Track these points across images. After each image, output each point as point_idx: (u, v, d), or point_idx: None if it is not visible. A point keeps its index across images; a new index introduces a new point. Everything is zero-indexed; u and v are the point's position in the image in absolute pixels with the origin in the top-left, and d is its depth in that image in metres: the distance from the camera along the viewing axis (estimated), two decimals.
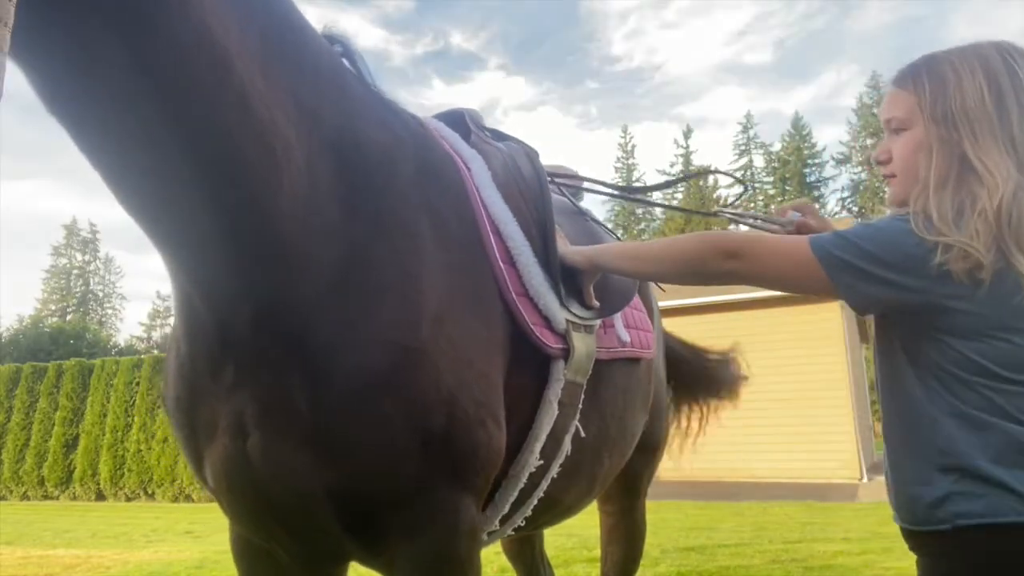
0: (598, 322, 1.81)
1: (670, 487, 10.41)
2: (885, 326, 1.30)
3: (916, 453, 1.23)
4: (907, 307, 1.21)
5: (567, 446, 1.69)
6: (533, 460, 1.59)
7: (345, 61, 1.49)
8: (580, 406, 1.71)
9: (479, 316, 1.44)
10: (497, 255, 1.53)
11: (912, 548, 1.27)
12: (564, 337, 1.64)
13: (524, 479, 1.59)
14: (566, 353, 1.64)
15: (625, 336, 2.00)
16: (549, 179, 1.89)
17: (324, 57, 1.36)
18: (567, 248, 1.72)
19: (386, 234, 1.33)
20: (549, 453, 1.64)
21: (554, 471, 1.68)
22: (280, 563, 1.49)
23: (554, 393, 1.60)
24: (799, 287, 1.36)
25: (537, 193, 1.76)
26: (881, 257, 1.19)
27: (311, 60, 1.31)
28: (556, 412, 1.61)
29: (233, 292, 1.23)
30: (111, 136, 1.06)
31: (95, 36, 0.97)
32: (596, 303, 1.78)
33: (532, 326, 1.55)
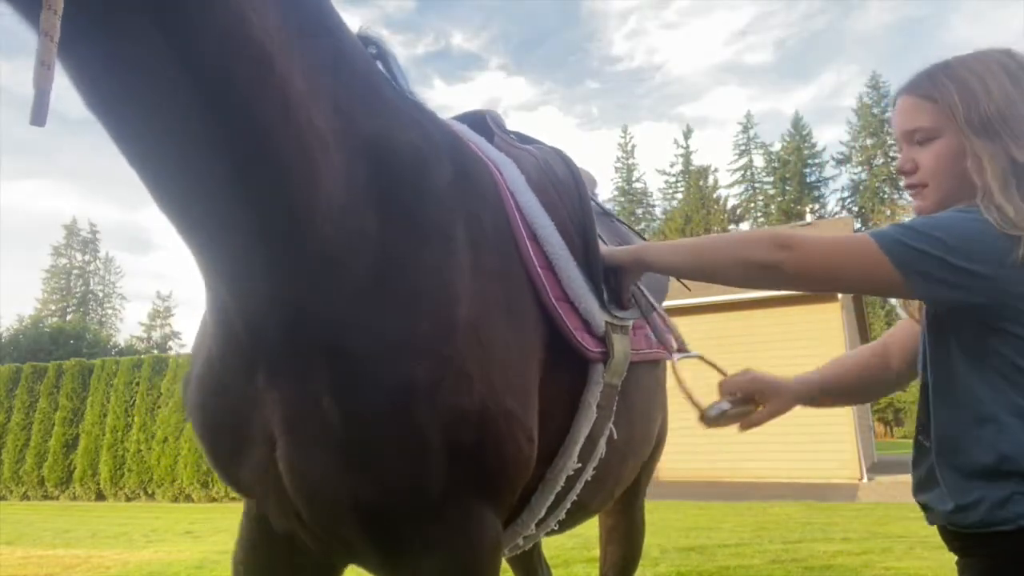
0: (632, 322, 1.80)
1: (670, 487, 10.40)
2: (942, 328, 1.26)
3: (976, 455, 1.20)
4: (981, 299, 1.17)
5: (602, 449, 1.67)
6: (571, 464, 1.56)
7: (379, 63, 1.46)
8: (615, 408, 1.69)
9: (514, 324, 1.40)
10: (535, 260, 1.50)
11: (960, 549, 1.25)
12: (603, 340, 1.62)
13: (561, 483, 1.57)
14: (605, 356, 1.61)
15: (653, 337, 1.98)
16: None
17: (359, 58, 1.34)
18: (610, 248, 1.68)
19: (422, 239, 1.30)
20: (584, 456, 1.61)
21: (588, 474, 1.66)
22: (291, 550, 1.48)
23: (593, 396, 1.58)
24: (852, 284, 1.28)
25: (574, 194, 1.73)
26: (961, 248, 1.15)
27: (347, 61, 1.28)
28: (595, 415, 1.58)
29: (266, 296, 1.20)
30: (150, 133, 1.04)
31: (137, 31, 0.96)
32: (633, 303, 1.76)
33: (573, 331, 1.52)
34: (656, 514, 7.70)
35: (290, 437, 1.24)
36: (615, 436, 1.71)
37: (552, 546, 5.82)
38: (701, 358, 1.75)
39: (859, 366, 1.58)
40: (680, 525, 7.55)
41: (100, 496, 14.23)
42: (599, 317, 1.61)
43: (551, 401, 1.47)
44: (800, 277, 1.29)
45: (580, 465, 1.60)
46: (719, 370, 1.63)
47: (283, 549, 1.48)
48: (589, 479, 1.68)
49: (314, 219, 1.17)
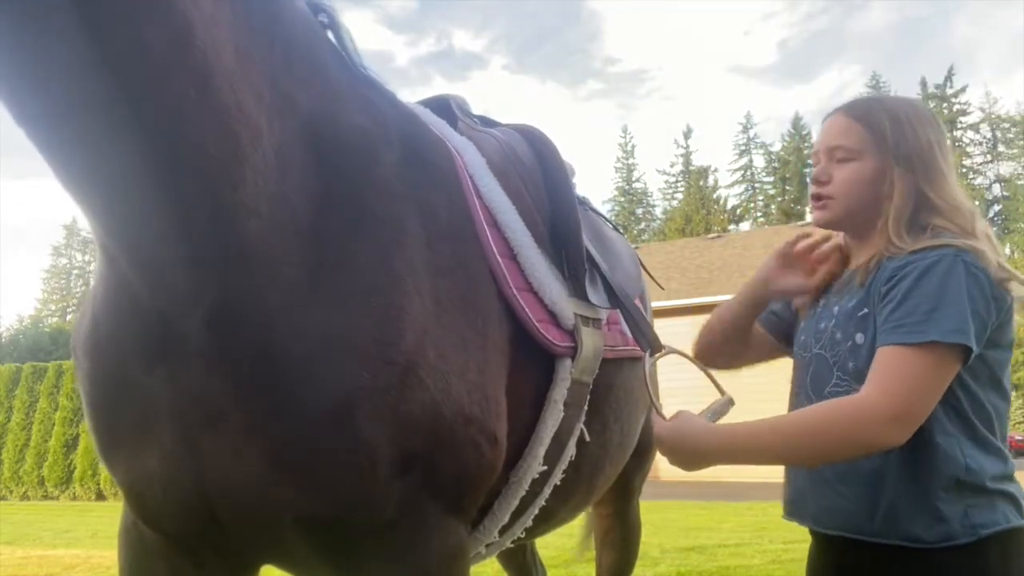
0: (605, 316, 1.72)
1: (670, 487, 10.39)
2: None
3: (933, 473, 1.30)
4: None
5: (571, 451, 1.58)
6: (536, 466, 1.47)
7: (329, 33, 1.34)
8: (585, 408, 1.60)
9: (473, 320, 1.30)
10: (494, 249, 1.41)
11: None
12: (572, 334, 1.53)
13: (526, 486, 1.48)
14: (573, 351, 1.52)
15: (630, 333, 1.86)
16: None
17: (302, 28, 1.22)
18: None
19: (367, 230, 1.19)
20: (552, 458, 1.52)
21: (557, 478, 1.57)
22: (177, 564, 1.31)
23: (560, 394, 1.49)
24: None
25: (538, 177, 1.65)
26: (987, 297, 1.23)
27: (284, 31, 1.16)
28: (561, 414, 1.50)
29: (189, 291, 1.09)
30: (50, 105, 0.92)
31: None
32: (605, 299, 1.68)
33: (537, 323, 1.43)
34: (656, 514, 7.70)
35: (218, 446, 1.13)
36: (587, 438, 1.62)
37: (552, 546, 5.82)
38: (679, 353, 1.62)
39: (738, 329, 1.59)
40: (680, 525, 7.55)
41: (100, 496, 14.22)
42: (567, 308, 1.52)
43: (516, 398, 1.39)
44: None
45: (546, 468, 1.51)
46: (698, 366, 1.55)
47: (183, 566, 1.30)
48: (558, 484, 1.59)
49: (238, 211, 1.06)
